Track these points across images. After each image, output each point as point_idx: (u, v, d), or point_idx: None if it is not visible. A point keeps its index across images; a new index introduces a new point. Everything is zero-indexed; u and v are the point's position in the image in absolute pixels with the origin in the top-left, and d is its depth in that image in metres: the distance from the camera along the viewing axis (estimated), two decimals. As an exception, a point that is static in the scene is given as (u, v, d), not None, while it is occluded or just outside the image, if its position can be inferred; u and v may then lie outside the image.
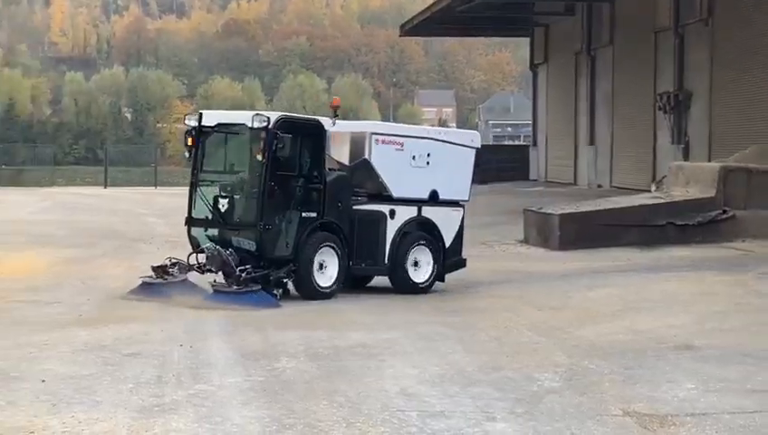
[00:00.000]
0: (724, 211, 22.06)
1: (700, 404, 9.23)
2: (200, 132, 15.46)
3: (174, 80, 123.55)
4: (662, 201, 22.77)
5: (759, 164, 23.23)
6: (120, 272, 17.76)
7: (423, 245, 16.40)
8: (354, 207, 15.85)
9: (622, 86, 40.56)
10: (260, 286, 14.51)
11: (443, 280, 16.82)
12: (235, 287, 14.50)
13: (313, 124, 15.72)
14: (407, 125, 19.93)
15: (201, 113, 15.66)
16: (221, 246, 14.90)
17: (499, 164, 51.03)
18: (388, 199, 16.22)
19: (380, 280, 16.73)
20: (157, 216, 30.91)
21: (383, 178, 16.08)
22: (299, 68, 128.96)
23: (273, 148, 14.63)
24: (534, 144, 51.49)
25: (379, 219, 16.05)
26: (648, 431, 8.41)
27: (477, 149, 17.35)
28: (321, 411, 8.71)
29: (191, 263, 15.15)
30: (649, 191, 33.03)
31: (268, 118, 14.82)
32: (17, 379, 9.65)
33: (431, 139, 16.87)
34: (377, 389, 9.58)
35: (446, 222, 16.81)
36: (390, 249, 16.09)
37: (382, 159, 16.01)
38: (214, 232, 15.25)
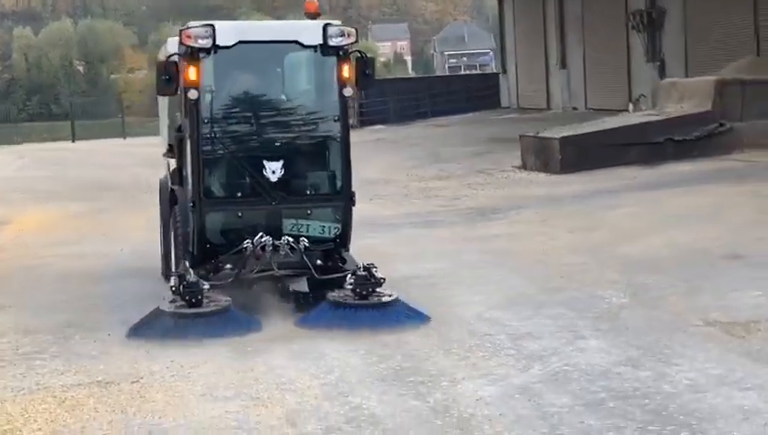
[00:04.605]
0: (722, 124, 22.22)
1: (775, 310, 9.43)
2: (194, 56, 9.90)
3: (125, 28, 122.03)
4: (658, 118, 22.89)
5: (752, 75, 23.40)
6: (137, 222, 17.68)
7: None
8: None
9: (592, 7, 40.61)
10: (395, 295, 9.64)
11: None
12: (354, 298, 9.52)
13: None
14: None
15: (214, 27, 9.89)
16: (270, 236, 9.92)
17: (469, 93, 51.15)
18: None
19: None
20: (143, 166, 30.68)
21: None
22: (250, 10, 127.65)
23: (365, 75, 10.34)
24: (504, 71, 51.49)
25: None
26: (736, 338, 8.59)
27: None
28: (413, 341, 8.81)
29: (227, 268, 9.94)
30: (627, 111, 33.35)
31: (355, 30, 10.27)
32: (95, 329, 9.66)
33: None
34: (454, 316, 9.68)
35: None
36: None
37: None
38: (258, 214, 10.14)
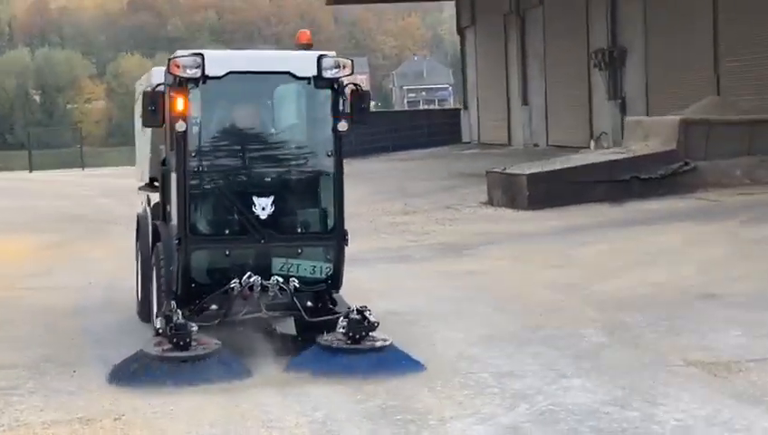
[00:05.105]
0: (686, 163, 22.41)
1: (756, 350, 9.46)
2: (181, 86, 9.37)
3: (83, 59, 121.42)
4: (624, 156, 23.03)
5: (715, 115, 23.64)
6: (105, 254, 17.57)
7: None
8: None
9: (554, 45, 40.88)
10: (389, 339, 9.23)
11: None
12: (346, 342, 9.09)
13: None
14: None
15: (203, 55, 9.38)
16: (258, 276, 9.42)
17: (430, 128, 51.36)
18: None
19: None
20: (105, 197, 30.61)
21: None
22: (209, 42, 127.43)
23: (360, 109, 9.79)
24: (465, 107, 51.73)
25: None
26: (719, 378, 8.60)
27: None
28: (397, 379, 8.70)
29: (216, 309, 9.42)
30: (588, 148, 33.58)
31: (350, 61, 9.74)
32: (72, 365, 9.51)
33: None
34: (436, 353, 9.61)
35: None
36: None
37: None
38: (246, 252, 9.59)
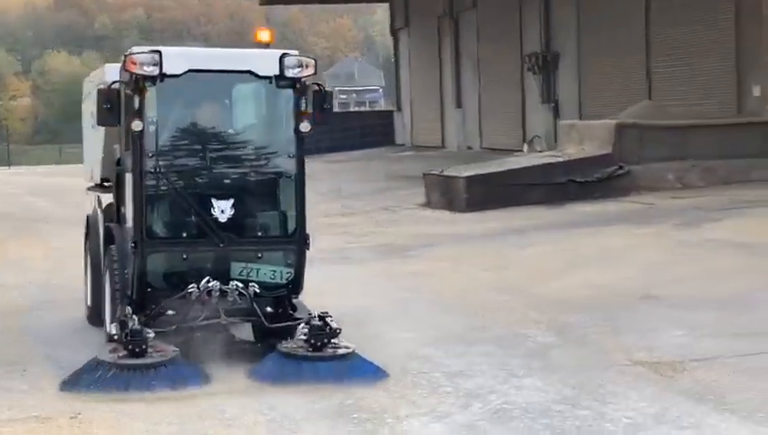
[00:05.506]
0: (621, 167, 22.75)
1: (698, 350, 9.68)
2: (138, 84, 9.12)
3: (8, 55, 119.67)
4: (561, 159, 23.31)
5: (648, 119, 24.00)
6: (39, 253, 17.48)
7: None
8: None
9: (488, 48, 41.17)
10: (351, 346, 9.06)
11: None
12: (307, 349, 8.92)
13: None
14: None
15: (161, 52, 9.11)
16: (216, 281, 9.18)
17: (364, 130, 51.42)
18: None
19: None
20: (34, 195, 30.31)
21: None
22: (138, 40, 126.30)
23: (323, 109, 9.67)
24: (399, 109, 51.87)
25: None
26: (665, 378, 8.80)
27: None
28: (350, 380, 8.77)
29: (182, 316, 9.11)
30: (521, 151, 33.88)
31: (314, 60, 9.52)
32: (20, 363, 9.46)
33: None
34: (387, 354, 9.61)
35: None
36: None
37: None
38: (204, 256, 9.36)
